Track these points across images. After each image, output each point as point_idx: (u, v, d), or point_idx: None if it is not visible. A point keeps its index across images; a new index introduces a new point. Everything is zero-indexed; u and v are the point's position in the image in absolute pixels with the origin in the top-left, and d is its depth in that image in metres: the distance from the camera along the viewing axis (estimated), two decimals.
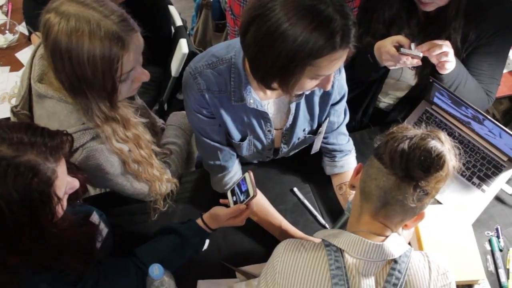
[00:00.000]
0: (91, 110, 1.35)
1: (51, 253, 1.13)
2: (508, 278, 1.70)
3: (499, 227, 1.81)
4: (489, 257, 1.75)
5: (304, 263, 1.22)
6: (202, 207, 1.67)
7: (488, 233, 1.81)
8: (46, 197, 1.05)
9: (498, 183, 1.88)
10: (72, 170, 1.23)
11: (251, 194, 1.46)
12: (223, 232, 1.71)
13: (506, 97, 2.85)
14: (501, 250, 1.76)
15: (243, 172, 1.55)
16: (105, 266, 1.37)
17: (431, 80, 1.82)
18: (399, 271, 1.20)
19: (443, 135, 1.18)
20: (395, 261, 1.21)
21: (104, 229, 1.46)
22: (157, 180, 1.60)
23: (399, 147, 1.14)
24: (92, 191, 1.99)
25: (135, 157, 1.51)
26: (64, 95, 1.37)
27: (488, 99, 1.93)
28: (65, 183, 1.12)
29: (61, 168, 1.10)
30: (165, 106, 2.75)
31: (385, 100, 2.19)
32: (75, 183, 1.18)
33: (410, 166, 1.12)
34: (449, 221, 1.74)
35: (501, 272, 1.71)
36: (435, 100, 1.94)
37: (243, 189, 1.50)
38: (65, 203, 1.15)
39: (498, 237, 1.79)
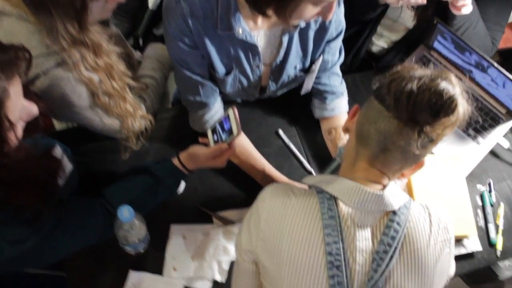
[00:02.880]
0: (56, 30, 1.19)
1: (2, 187, 0.98)
2: (497, 233, 1.65)
3: (491, 181, 1.74)
4: (479, 211, 1.69)
5: (293, 210, 1.10)
6: (179, 146, 1.53)
7: (480, 187, 1.74)
8: None
9: (494, 137, 1.79)
10: (31, 96, 1.06)
11: (235, 133, 1.32)
12: (201, 175, 1.58)
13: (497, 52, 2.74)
14: (492, 205, 1.70)
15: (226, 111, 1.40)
16: (68, 205, 1.21)
17: (435, 22, 1.67)
18: (398, 223, 1.09)
19: (453, 77, 1.05)
20: (394, 212, 1.10)
21: (67, 165, 1.30)
22: (130, 116, 1.44)
23: (407, 87, 1.00)
24: (58, 126, 1.80)
25: (106, 89, 1.34)
26: (25, 11, 1.20)
27: (492, 48, 1.80)
28: (19, 107, 0.96)
29: (15, 88, 0.93)
30: (140, 41, 2.55)
31: (379, 43, 2.04)
32: (32, 109, 1.01)
33: (417, 109, 0.99)
34: (442, 173, 1.65)
35: (491, 227, 1.66)
36: (435, 45, 1.80)
37: (226, 128, 1.35)
38: (20, 131, 0.99)
39: (490, 191, 1.73)
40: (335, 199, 1.09)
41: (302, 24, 1.38)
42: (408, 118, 1.00)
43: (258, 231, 1.12)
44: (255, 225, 1.14)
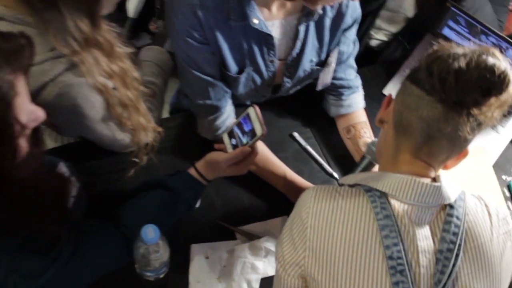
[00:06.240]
0: (64, 30, 1.02)
1: (15, 209, 0.81)
2: None
3: None
4: (509, 203, 1.59)
5: (343, 213, 0.97)
6: (188, 157, 1.38)
7: (506, 178, 1.64)
8: (3, 122, 0.73)
9: None
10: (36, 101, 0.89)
11: (259, 133, 1.17)
12: (215, 187, 1.42)
13: None
14: None
15: (237, 115, 1.27)
16: (83, 232, 1.04)
17: (448, 4, 1.58)
18: (457, 218, 0.97)
19: (498, 53, 0.95)
20: (450, 206, 0.98)
21: (75, 183, 1.12)
22: (141, 129, 1.27)
23: (453, 66, 0.90)
24: (51, 144, 1.60)
25: (121, 98, 1.17)
26: (20, 12, 1.02)
27: (499, 30, 1.73)
28: (26, 106, 0.79)
29: (21, 83, 0.77)
30: None
31: (378, 37, 1.95)
32: (38, 113, 0.84)
33: (467, 88, 0.89)
34: (468, 164, 1.54)
35: None
36: (445, 31, 1.71)
37: (246, 129, 1.21)
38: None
39: None
40: (386, 196, 0.97)
41: (320, 11, 1.27)
42: (455, 100, 0.90)
43: (304, 240, 0.98)
44: (299, 234, 1.00)
